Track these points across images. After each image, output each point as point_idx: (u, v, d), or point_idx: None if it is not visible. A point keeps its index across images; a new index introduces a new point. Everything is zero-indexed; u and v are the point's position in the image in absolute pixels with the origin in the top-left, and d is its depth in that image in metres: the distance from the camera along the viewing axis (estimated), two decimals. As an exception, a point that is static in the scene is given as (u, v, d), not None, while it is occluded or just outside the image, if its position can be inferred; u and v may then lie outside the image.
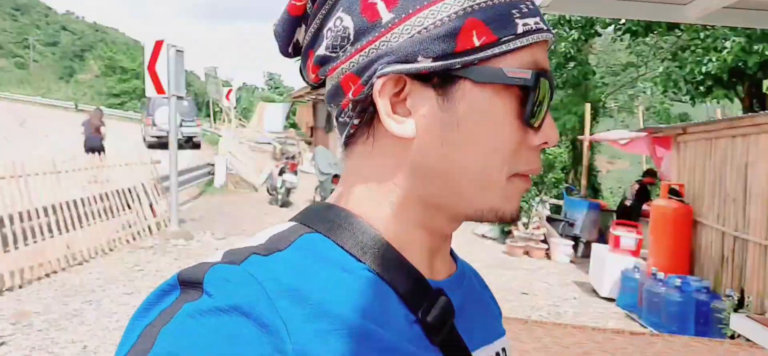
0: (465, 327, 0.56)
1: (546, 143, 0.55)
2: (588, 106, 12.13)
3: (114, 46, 57.91)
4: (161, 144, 16.64)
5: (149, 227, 8.52)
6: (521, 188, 0.55)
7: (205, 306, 0.43)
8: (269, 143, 20.66)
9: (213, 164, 14.33)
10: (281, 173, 12.56)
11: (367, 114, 0.54)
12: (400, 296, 0.51)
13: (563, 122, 14.12)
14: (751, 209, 5.44)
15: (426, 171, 0.53)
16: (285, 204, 12.44)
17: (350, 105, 0.54)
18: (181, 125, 19.93)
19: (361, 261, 0.51)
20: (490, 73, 0.51)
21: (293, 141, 21.23)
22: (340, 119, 0.56)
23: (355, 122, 0.54)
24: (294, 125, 27.81)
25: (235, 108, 23.51)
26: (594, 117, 13.59)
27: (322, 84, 0.58)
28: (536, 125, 0.53)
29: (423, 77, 0.51)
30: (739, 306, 5.19)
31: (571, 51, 14.39)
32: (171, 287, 0.46)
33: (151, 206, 8.71)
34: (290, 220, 0.55)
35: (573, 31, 13.85)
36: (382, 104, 0.52)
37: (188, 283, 0.46)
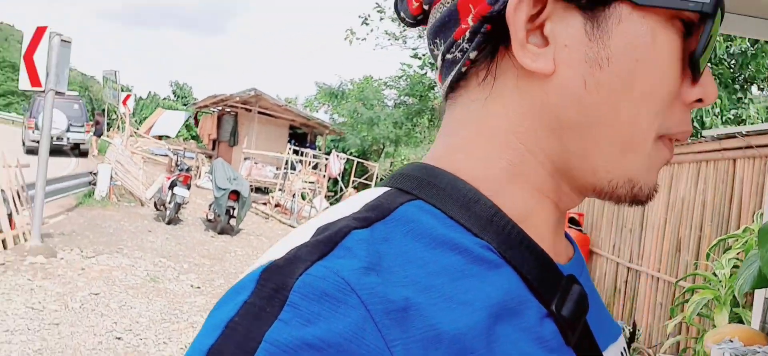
0: (591, 321, 0.44)
1: (702, 99, 0.43)
2: None
3: (6, 44, 44.73)
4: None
5: (3, 241, 7.06)
6: (665, 157, 0.44)
7: (289, 338, 0.32)
8: (166, 154, 17.81)
9: (95, 174, 11.97)
10: (172, 186, 10.79)
11: (489, 45, 0.42)
12: (528, 284, 0.40)
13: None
14: (646, 240, 5.46)
15: (559, 120, 0.42)
16: (172, 221, 10.69)
17: (467, 34, 0.42)
18: (68, 130, 18.52)
19: (478, 237, 0.40)
20: None
21: (192, 153, 19.91)
22: (449, 56, 0.44)
23: (472, 55, 0.43)
24: (195, 137, 24.63)
25: (131, 115, 20.53)
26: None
27: (422, 20, 0.47)
28: (701, 71, 0.42)
29: None
30: (631, 339, 4.91)
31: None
32: (250, 282, 0.35)
33: (9, 216, 7.24)
34: (381, 185, 0.44)
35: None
36: (517, 28, 0.40)
37: (270, 285, 0.34)
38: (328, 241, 0.36)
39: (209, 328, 0.33)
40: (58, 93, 7.47)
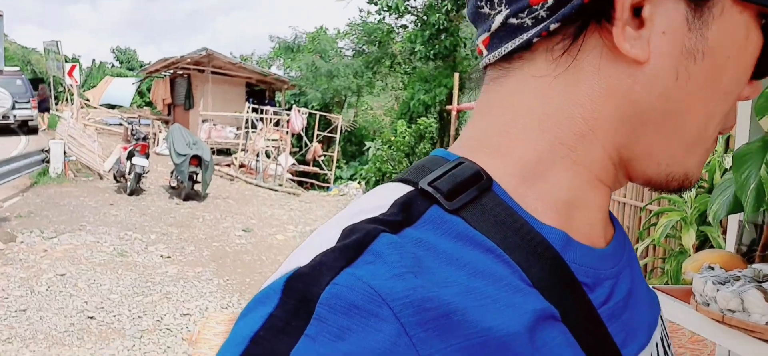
0: (631, 317, 0.42)
1: (747, 97, 0.42)
2: (457, 76, 12.96)
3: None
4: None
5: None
6: (712, 149, 0.42)
7: (317, 355, 0.29)
8: (120, 124, 17.36)
9: (47, 150, 11.52)
10: (130, 156, 10.64)
11: (579, 20, 0.37)
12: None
13: (434, 94, 15.23)
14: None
15: (639, 111, 0.39)
16: (134, 192, 10.57)
17: (550, 2, 0.37)
18: (14, 107, 17.34)
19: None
20: None
21: (147, 120, 19.14)
22: (514, 20, 0.39)
23: (552, 26, 0.37)
24: (149, 103, 23.69)
25: (79, 86, 18.58)
26: (460, 88, 13.84)
27: None
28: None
29: None
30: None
31: (444, 22, 15.33)
32: (274, 292, 0.32)
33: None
34: (399, 180, 0.39)
35: (446, 2, 14.77)
36: (624, 7, 0.36)
37: (295, 295, 0.31)
38: (355, 245, 0.33)
39: (233, 342, 0.31)
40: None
